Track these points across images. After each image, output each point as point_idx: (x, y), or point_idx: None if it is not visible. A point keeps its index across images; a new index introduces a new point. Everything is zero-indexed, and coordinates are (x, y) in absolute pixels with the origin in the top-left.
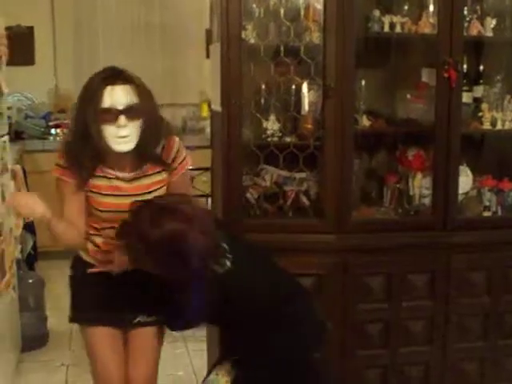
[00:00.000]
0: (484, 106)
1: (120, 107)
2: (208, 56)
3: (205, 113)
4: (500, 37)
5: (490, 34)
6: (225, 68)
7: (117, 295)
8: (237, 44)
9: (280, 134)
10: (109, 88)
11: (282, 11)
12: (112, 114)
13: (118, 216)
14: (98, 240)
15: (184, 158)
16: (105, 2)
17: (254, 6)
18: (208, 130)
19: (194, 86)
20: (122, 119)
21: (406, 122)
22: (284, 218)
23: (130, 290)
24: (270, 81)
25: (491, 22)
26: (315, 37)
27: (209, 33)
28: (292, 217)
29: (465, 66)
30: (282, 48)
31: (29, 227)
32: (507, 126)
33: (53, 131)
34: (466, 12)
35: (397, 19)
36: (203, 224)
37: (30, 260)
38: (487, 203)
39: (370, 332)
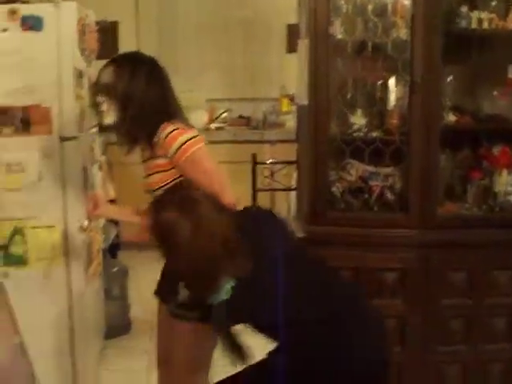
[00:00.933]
0: None
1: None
2: (289, 51)
3: (285, 107)
4: None
5: None
6: (312, 63)
7: None
8: (325, 40)
9: (366, 129)
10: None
11: (369, 7)
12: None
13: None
14: None
15: (180, 146)
16: None
17: (342, 2)
18: (288, 124)
19: (275, 80)
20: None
21: (491, 119)
22: (368, 212)
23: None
24: (356, 76)
25: None
26: (402, 33)
27: (290, 28)
28: (376, 211)
29: None
30: (369, 44)
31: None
32: None
33: None
34: None
35: (484, 15)
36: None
37: (112, 250)
38: None
39: (452, 328)
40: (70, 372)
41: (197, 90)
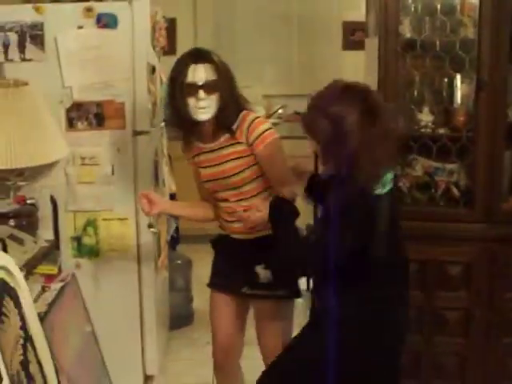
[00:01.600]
0: None
1: (200, 83)
2: (344, 48)
3: None
4: None
5: None
6: (382, 61)
7: (232, 262)
8: (394, 38)
9: (433, 126)
10: (192, 66)
11: (438, 6)
12: (193, 88)
13: (216, 185)
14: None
15: (261, 134)
16: None
17: (410, 1)
18: None
19: (331, 77)
20: (201, 93)
21: None
22: (435, 207)
23: (242, 258)
24: (424, 74)
25: None
26: (470, 32)
27: (346, 25)
28: (442, 206)
29: None
30: (437, 42)
31: None
32: None
33: None
34: None
35: None
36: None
37: (172, 243)
38: None
39: None
40: (139, 361)
41: (254, 85)
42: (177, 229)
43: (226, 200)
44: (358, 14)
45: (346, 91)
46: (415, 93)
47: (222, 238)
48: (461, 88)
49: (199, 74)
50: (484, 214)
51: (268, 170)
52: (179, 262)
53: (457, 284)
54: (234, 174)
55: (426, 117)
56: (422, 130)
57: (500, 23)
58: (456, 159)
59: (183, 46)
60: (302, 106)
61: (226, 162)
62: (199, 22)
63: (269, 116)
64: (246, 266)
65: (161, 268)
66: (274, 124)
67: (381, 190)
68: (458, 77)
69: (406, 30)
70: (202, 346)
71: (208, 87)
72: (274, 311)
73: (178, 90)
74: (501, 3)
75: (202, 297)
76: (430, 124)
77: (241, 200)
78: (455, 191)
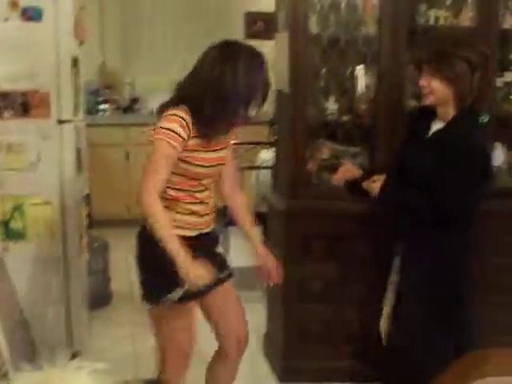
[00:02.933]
0: None
1: None
2: (247, 37)
3: None
4: None
5: None
6: (292, 55)
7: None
8: (303, 34)
9: (338, 113)
10: None
11: (342, 5)
12: None
13: (215, 171)
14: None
15: None
16: None
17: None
18: None
19: None
20: None
21: None
22: (340, 187)
23: (209, 249)
24: (330, 66)
25: None
26: (371, 29)
27: (248, 15)
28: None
29: (498, 55)
30: (342, 38)
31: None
32: None
33: (101, 107)
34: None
35: (440, 13)
36: None
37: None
38: None
39: None
40: (66, 339)
41: (162, 72)
42: (89, 214)
43: (207, 189)
44: (260, 4)
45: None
46: (322, 83)
47: (189, 239)
48: (363, 79)
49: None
50: None
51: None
52: (97, 244)
53: (362, 257)
54: (224, 163)
55: (331, 105)
56: (329, 117)
57: (398, 21)
58: (359, 143)
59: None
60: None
61: (224, 148)
62: (106, 10)
63: None
64: (211, 254)
65: (83, 250)
66: None
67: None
68: (361, 69)
69: (314, 27)
70: (121, 325)
71: None
72: (233, 288)
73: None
74: (398, 3)
75: (119, 278)
76: (335, 111)
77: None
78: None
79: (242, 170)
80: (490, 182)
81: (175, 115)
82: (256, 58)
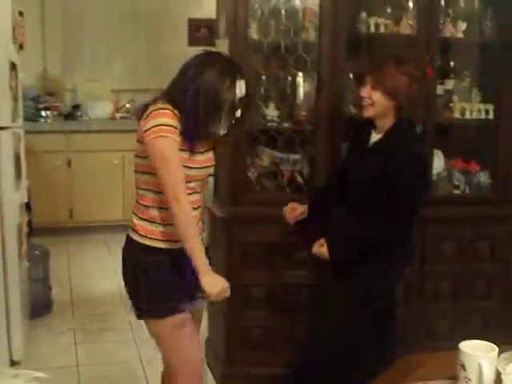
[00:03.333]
0: (454, 97)
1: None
2: (190, 44)
3: None
4: (469, 38)
5: (460, 35)
6: None
7: (184, 273)
8: (243, 40)
9: (278, 120)
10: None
11: (282, 11)
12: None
13: (204, 173)
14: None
15: None
16: None
17: (257, 6)
18: None
19: (176, 72)
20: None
21: None
22: (281, 194)
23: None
24: (270, 73)
25: (462, 25)
26: (311, 35)
27: (191, 22)
28: (288, 193)
29: (438, 63)
30: (282, 44)
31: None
32: (474, 115)
33: (43, 113)
34: (440, 15)
35: (381, 21)
36: None
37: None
38: (456, 183)
39: None
40: (5, 348)
41: (102, 80)
42: (29, 221)
43: (198, 192)
44: (203, 11)
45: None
46: (262, 90)
47: (172, 250)
48: (303, 86)
49: (243, 89)
50: None
51: None
52: (37, 252)
53: (302, 263)
54: (213, 164)
55: (272, 112)
56: (269, 124)
57: (338, 28)
58: (299, 150)
59: (31, 40)
60: (148, 100)
61: (209, 150)
62: (47, 16)
63: (117, 110)
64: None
65: (23, 258)
66: (123, 118)
67: None
68: (301, 76)
69: (254, 33)
70: (63, 333)
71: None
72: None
73: (228, 105)
74: (338, 10)
75: (60, 286)
76: (275, 118)
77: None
78: (299, 179)
79: None
80: (430, 190)
81: (163, 108)
82: (228, 72)
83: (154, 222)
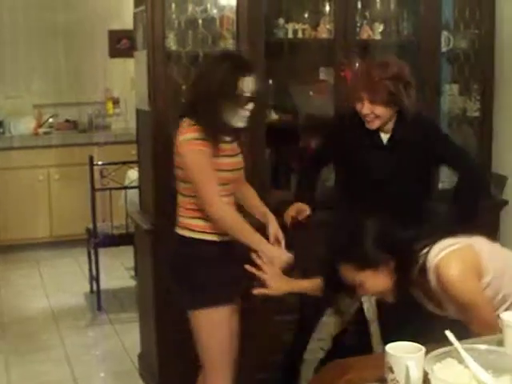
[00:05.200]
0: None
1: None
2: (111, 56)
3: (110, 110)
4: (387, 39)
5: (378, 37)
6: (151, 73)
7: (236, 267)
8: (161, 51)
9: None
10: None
11: (199, 21)
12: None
13: (235, 176)
14: None
15: None
16: (11, 2)
17: (174, 16)
18: (113, 126)
19: (99, 84)
20: (251, 104)
21: (308, 116)
22: None
23: (242, 258)
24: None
25: (379, 27)
26: (229, 43)
27: (111, 33)
28: None
29: (357, 65)
30: (200, 54)
31: None
32: None
33: None
34: (357, 18)
35: (298, 26)
36: None
37: None
38: None
39: None
40: None
41: (23, 96)
42: None
43: (232, 194)
44: (123, 22)
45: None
46: (183, 101)
47: (223, 244)
48: None
49: (251, 86)
50: None
51: None
52: None
53: None
54: (242, 167)
55: None
56: None
57: (256, 35)
58: None
59: None
60: (72, 113)
61: (238, 154)
62: None
63: (40, 125)
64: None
65: None
66: (46, 133)
67: None
68: None
69: (172, 44)
70: None
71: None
72: None
73: (233, 100)
74: (255, 17)
75: None
76: None
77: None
78: None
79: (111, 190)
80: None
81: (188, 133)
82: (238, 67)
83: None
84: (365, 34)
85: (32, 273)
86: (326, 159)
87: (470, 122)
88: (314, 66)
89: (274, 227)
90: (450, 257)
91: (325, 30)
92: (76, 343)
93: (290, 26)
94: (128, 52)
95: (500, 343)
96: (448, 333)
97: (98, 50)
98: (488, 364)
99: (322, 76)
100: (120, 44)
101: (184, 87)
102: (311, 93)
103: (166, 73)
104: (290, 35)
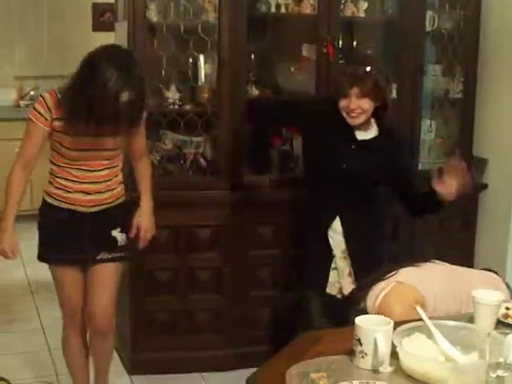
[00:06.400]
0: None
1: None
2: (94, 29)
3: None
4: (371, 17)
5: (362, 14)
6: (130, 44)
7: (80, 236)
8: (142, 23)
9: (180, 103)
10: None
11: None
12: None
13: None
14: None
15: None
16: None
17: None
18: None
19: (80, 58)
20: None
21: (289, 92)
22: (184, 177)
23: (94, 229)
24: (170, 55)
25: (364, 5)
26: (211, 16)
27: (95, 6)
28: (191, 175)
29: (340, 43)
30: (181, 26)
31: None
32: None
33: None
34: None
35: (282, 1)
36: None
37: None
38: None
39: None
40: None
41: (4, 67)
42: None
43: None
44: None
45: None
46: (163, 72)
47: (57, 210)
48: (204, 67)
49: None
50: (229, 182)
51: None
52: None
53: (207, 246)
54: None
55: (173, 94)
56: (170, 107)
57: (238, 9)
58: (202, 132)
59: None
60: (53, 86)
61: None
62: None
63: (21, 98)
64: (96, 234)
65: None
66: (27, 106)
67: None
68: (202, 57)
69: (153, 15)
70: None
71: None
72: (117, 272)
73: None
74: None
75: None
76: (177, 101)
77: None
78: (202, 161)
79: None
80: None
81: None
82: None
83: None
84: (349, 11)
85: None
86: (294, 120)
87: (453, 103)
88: (296, 42)
89: (140, 215)
90: (387, 301)
91: (308, 6)
92: (51, 315)
93: (273, 1)
94: (111, 26)
95: (471, 320)
96: (418, 309)
97: (81, 23)
98: (457, 340)
99: (304, 53)
100: (104, 17)
101: (164, 59)
102: (293, 69)
103: (146, 44)
104: (273, 9)
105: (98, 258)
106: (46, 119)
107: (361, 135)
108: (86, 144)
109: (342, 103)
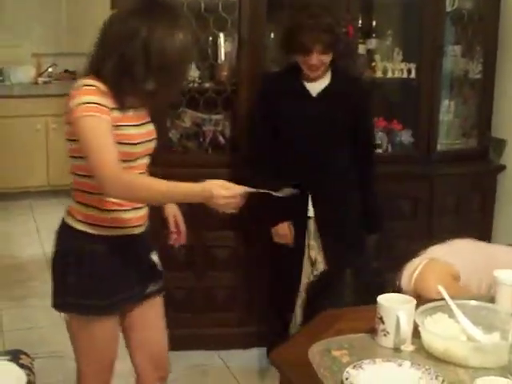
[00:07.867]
0: (376, 56)
1: None
2: (112, 7)
3: None
4: None
5: None
6: None
7: (129, 268)
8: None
9: (200, 81)
10: None
11: None
12: None
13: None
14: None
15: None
16: None
17: None
18: None
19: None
20: None
21: None
22: (203, 154)
23: (138, 256)
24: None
25: None
26: None
27: None
28: (210, 153)
29: (360, 22)
30: (202, 4)
31: None
32: (396, 74)
33: None
34: None
35: None
36: None
37: None
38: (379, 141)
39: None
40: None
41: (23, 44)
42: None
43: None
44: None
45: None
46: None
47: (103, 242)
48: (224, 46)
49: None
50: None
51: None
52: None
53: (224, 224)
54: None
55: (193, 72)
56: (190, 85)
57: None
58: (221, 110)
59: None
60: (70, 64)
61: (150, 122)
62: None
63: (39, 75)
64: (141, 261)
65: None
66: (45, 83)
67: None
68: (222, 35)
69: None
70: None
71: None
72: (162, 303)
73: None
74: None
75: None
76: (196, 79)
77: None
78: (221, 139)
79: None
80: None
81: (85, 85)
82: (171, 27)
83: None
84: None
85: (27, 220)
86: (270, 129)
87: (472, 84)
88: None
89: (173, 207)
90: (423, 277)
91: None
92: None
93: None
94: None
95: (492, 301)
96: (441, 288)
97: (100, 1)
98: (478, 320)
99: None
100: None
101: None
102: None
103: None
104: None
105: (148, 291)
106: (107, 107)
107: (313, 88)
108: (144, 134)
109: (303, 60)
